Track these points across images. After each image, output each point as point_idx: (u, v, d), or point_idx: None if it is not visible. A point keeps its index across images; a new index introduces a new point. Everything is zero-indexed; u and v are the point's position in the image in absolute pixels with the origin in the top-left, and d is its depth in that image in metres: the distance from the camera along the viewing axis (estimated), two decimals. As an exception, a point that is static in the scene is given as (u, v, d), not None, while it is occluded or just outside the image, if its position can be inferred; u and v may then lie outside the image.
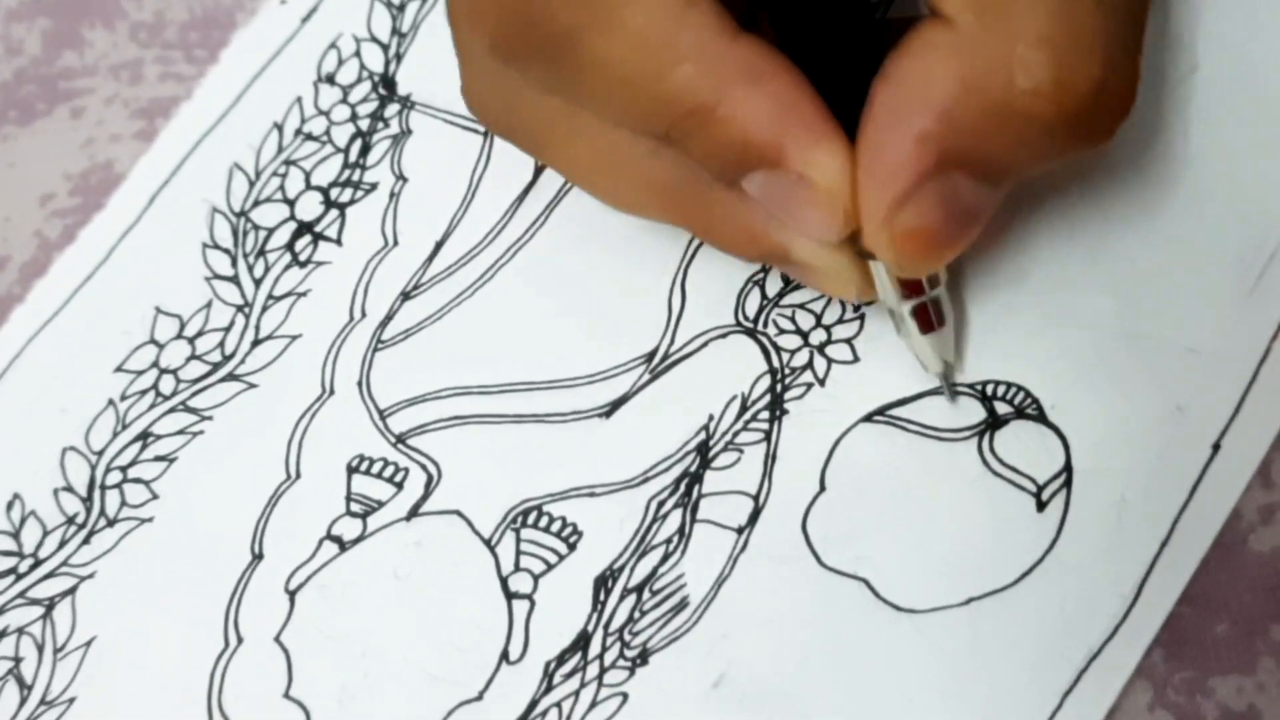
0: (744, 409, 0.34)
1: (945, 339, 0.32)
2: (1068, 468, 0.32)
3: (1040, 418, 0.32)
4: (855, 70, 0.28)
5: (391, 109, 0.40)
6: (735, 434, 0.34)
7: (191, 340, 0.37)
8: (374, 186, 0.39)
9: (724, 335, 0.35)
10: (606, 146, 0.30)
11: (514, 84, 0.31)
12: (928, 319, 0.32)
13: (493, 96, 0.32)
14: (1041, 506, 0.32)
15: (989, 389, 0.33)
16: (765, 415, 0.34)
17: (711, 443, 0.34)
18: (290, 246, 0.38)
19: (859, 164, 0.27)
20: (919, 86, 0.27)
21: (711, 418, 0.34)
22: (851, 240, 0.29)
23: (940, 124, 0.27)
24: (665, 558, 0.33)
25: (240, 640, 0.34)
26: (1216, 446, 0.32)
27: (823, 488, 0.33)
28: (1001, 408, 0.33)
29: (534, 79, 0.30)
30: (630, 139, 0.30)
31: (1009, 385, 0.33)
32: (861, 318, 0.34)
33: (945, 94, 0.26)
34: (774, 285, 0.35)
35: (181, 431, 0.36)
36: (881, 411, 0.33)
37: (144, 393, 0.37)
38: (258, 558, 0.35)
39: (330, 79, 0.40)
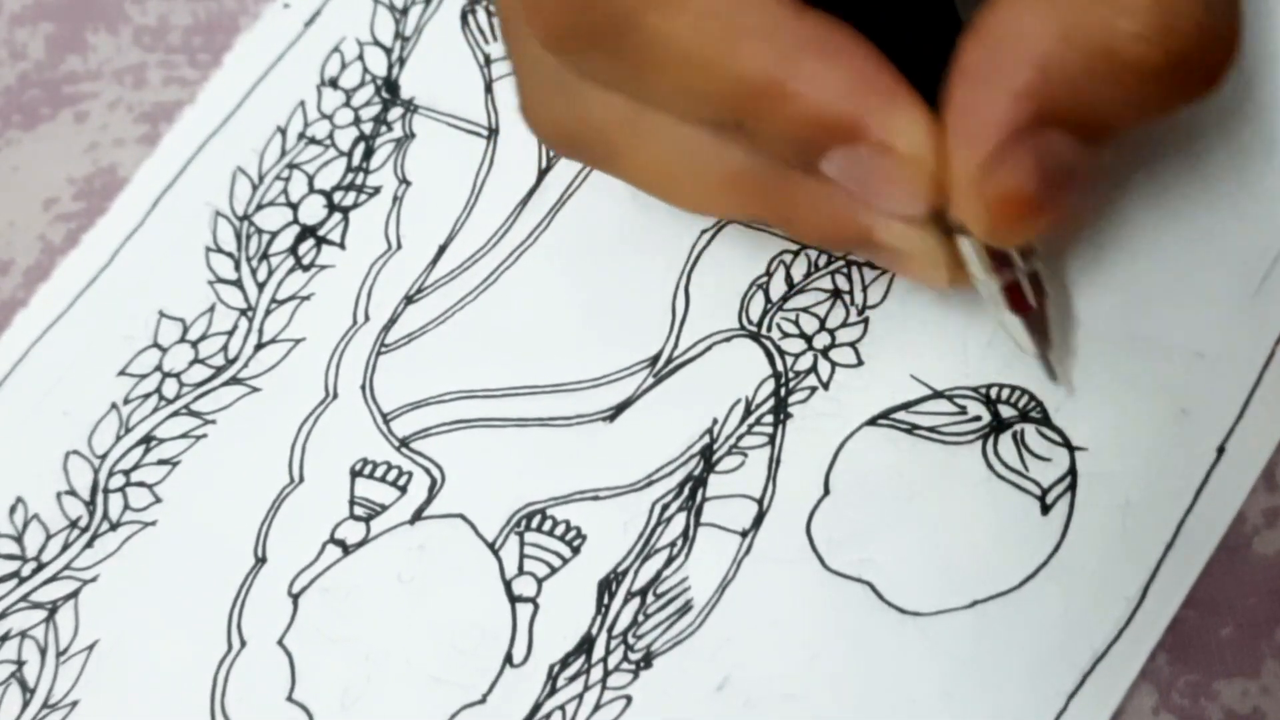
0: (748, 412, 0.34)
1: (1041, 319, 0.30)
2: (1072, 471, 0.32)
3: (1044, 421, 0.32)
4: (920, 37, 0.27)
5: (394, 112, 0.40)
6: (739, 437, 0.34)
7: (195, 344, 0.37)
8: (377, 190, 0.39)
9: (728, 339, 0.35)
10: (676, 144, 0.29)
11: (575, 90, 0.30)
12: (1021, 298, 0.30)
13: (554, 105, 0.31)
14: (1046, 510, 0.32)
15: (993, 392, 0.33)
16: (769, 419, 0.34)
17: (715, 446, 0.34)
18: (293, 250, 0.38)
19: (948, 125, 0.26)
20: (1014, 39, 0.25)
21: (715, 421, 0.34)
22: (938, 220, 0.28)
23: (1039, 76, 0.25)
24: (669, 561, 0.33)
25: (243, 643, 0.34)
26: (1221, 449, 0.32)
27: (827, 491, 0.33)
28: (1006, 411, 0.33)
29: (594, 71, 0.28)
30: (699, 134, 0.29)
31: (1013, 388, 0.33)
32: (865, 321, 0.34)
33: (1043, 44, 0.25)
34: (777, 289, 0.35)
35: (185, 435, 0.36)
36: (885, 415, 0.33)
37: (147, 396, 0.37)
38: (261, 561, 0.34)
39: (333, 83, 0.40)
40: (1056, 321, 0.32)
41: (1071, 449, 0.32)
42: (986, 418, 0.33)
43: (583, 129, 0.31)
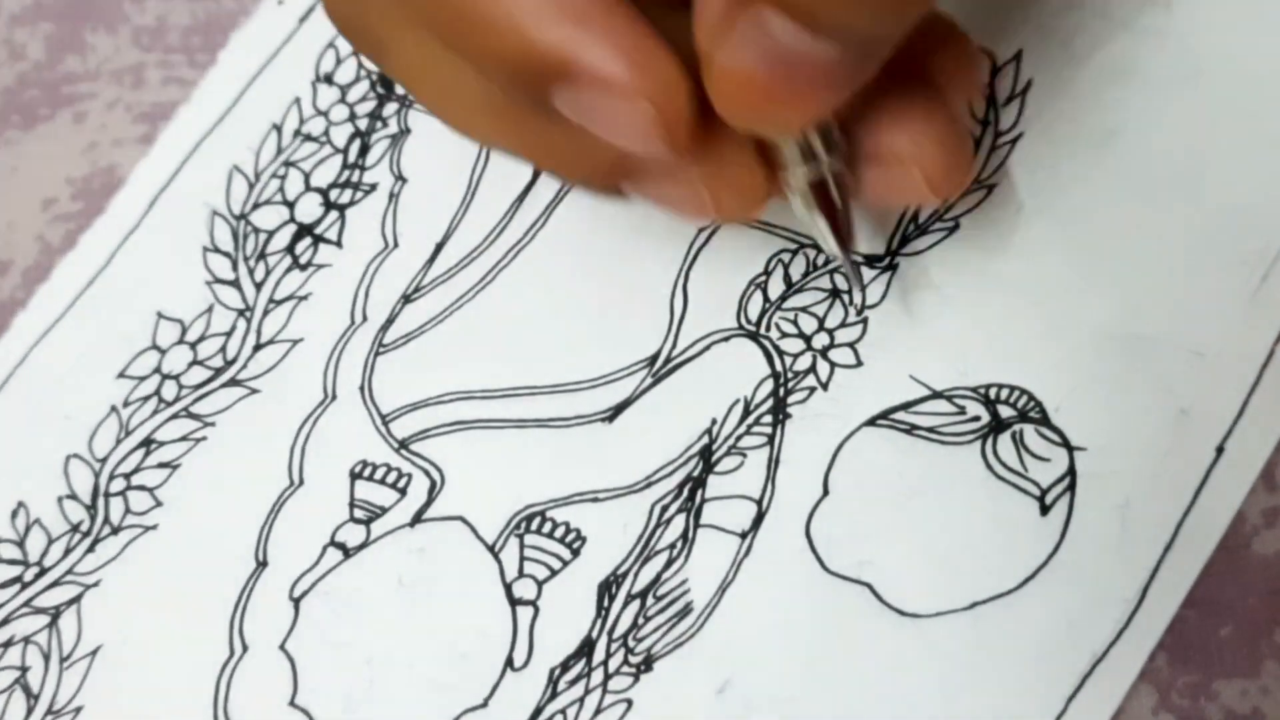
0: (747, 413, 0.34)
1: (846, 219, 0.30)
2: (1071, 471, 0.32)
3: (1044, 421, 0.32)
4: None
5: (390, 108, 0.39)
6: (738, 438, 0.34)
7: (193, 345, 0.37)
8: (373, 187, 0.39)
9: (726, 339, 0.35)
10: (434, 58, 0.27)
11: None
12: (826, 196, 0.29)
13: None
14: (1045, 510, 0.32)
15: (992, 392, 0.33)
16: (768, 419, 0.34)
17: (714, 447, 0.34)
18: (291, 249, 0.38)
19: (694, 6, 0.24)
20: None
21: (714, 421, 0.34)
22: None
23: None
24: (669, 563, 0.33)
25: (245, 648, 0.34)
26: (1220, 449, 0.31)
27: (826, 492, 0.33)
28: (1005, 411, 0.32)
29: None
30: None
31: (1012, 388, 0.33)
32: (864, 321, 0.34)
33: None
34: (776, 288, 0.35)
35: (184, 438, 0.36)
36: (885, 415, 0.33)
37: (146, 399, 0.37)
38: (262, 565, 0.35)
39: (328, 78, 0.40)
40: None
41: (1070, 449, 0.32)
42: (985, 418, 0.33)
43: (358, 17, 0.29)
